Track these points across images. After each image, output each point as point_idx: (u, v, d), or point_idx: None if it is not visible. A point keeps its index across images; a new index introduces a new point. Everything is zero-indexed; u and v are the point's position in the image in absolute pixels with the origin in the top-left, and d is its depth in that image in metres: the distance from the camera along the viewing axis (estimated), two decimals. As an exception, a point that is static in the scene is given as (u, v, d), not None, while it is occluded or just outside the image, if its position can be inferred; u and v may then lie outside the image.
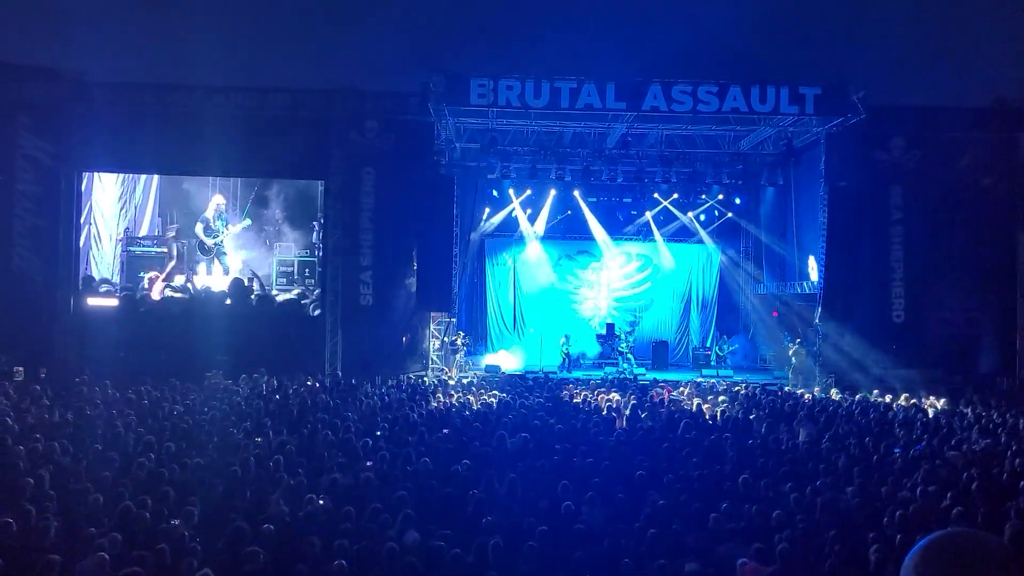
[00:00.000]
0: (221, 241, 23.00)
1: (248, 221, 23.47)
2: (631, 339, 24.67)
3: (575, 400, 16.84)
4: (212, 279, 22.93)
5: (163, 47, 22.22)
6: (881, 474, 10.32)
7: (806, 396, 18.80)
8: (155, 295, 21.98)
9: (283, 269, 23.62)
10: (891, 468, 10.69)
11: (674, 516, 8.34)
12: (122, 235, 23.45)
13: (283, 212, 24.25)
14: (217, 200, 23.12)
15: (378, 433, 12.23)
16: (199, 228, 22.83)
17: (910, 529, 7.78)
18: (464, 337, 24.26)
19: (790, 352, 22.83)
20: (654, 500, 8.76)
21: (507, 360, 24.35)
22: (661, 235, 26.71)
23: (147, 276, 22.35)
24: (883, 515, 8.42)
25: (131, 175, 23.59)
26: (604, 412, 14.80)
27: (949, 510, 8.53)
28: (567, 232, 26.52)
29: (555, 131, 22.62)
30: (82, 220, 21.96)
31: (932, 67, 25.39)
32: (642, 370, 23.47)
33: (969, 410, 15.89)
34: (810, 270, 22.23)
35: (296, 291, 23.13)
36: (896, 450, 11.88)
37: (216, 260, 23.10)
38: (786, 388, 20.65)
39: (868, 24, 28.15)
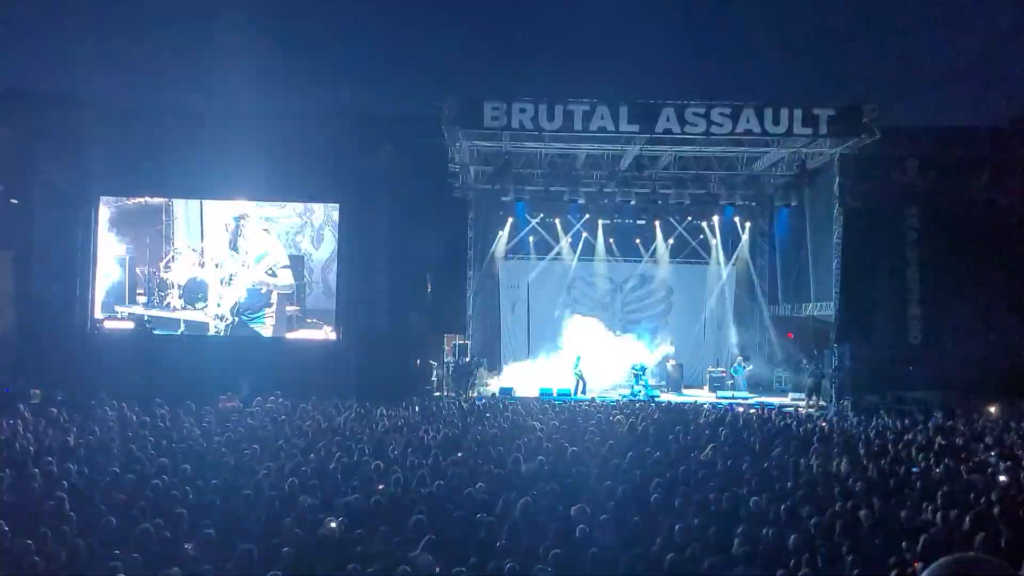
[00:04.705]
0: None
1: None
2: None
3: None
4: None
5: (181, 72, 22.48)
6: (899, 498, 10.18)
7: (822, 421, 18.59)
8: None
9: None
10: (910, 492, 10.54)
11: (690, 540, 8.24)
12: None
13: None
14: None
15: (391, 455, 12.19)
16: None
17: (930, 554, 7.66)
18: (477, 359, 24.20)
19: (806, 374, 22.64)
20: (670, 524, 8.67)
21: (520, 382, 24.26)
22: (675, 256, 26.66)
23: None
24: (902, 539, 8.30)
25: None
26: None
27: (970, 534, 8.38)
28: (580, 254, 26.50)
29: (568, 153, 22.69)
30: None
31: (947, 87, 25.33)
32: (656, 392, 23.36)
33: (988, 432, 15.67)
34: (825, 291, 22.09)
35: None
36: (915, 469, 11.74)
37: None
38: (802, 410, 20.46)
39: (882, 45, 28.17)
